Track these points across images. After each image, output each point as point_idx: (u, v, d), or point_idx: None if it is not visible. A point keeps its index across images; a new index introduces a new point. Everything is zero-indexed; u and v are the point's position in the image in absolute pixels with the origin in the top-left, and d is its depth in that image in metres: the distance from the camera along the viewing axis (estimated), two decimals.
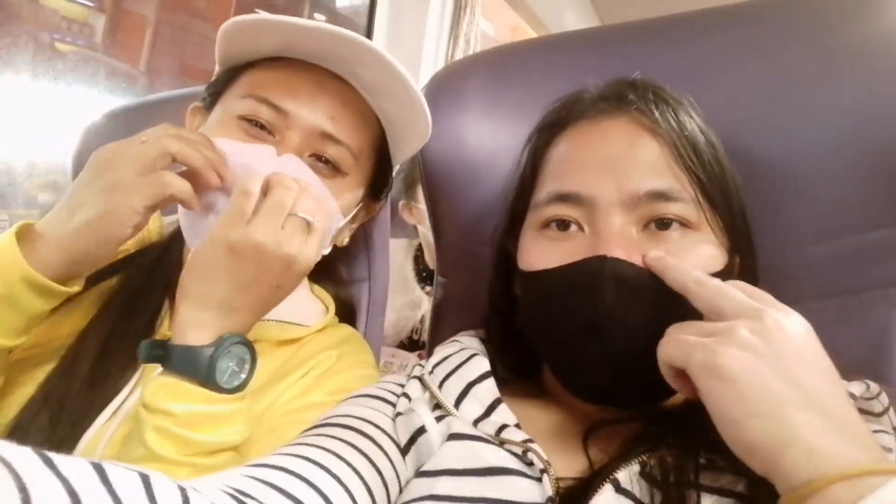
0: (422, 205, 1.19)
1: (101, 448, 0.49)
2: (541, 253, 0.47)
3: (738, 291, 0.37)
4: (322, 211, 0.50)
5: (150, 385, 0.45)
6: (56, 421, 0.49)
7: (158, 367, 0.47)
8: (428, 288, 1.33)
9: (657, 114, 0.46)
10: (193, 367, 0.45)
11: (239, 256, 0.46)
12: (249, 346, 0.49)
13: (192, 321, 0.46)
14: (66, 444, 0.48)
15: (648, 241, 0.44)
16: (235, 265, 0.46)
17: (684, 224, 0.44)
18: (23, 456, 0.22)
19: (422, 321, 1.31)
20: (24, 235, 0.47)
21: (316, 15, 2.12)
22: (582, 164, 0.46)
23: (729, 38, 0.59)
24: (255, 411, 0.53)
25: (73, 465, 0.24)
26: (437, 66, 2.00)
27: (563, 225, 0.46)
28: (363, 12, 1.97)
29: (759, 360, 0.33)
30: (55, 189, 1.36)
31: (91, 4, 1.46)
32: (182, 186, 0.49)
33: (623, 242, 0.43)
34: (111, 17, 1.52)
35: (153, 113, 0.99)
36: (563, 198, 0.46)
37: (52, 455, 0.24)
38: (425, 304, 1.31)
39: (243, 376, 0.47)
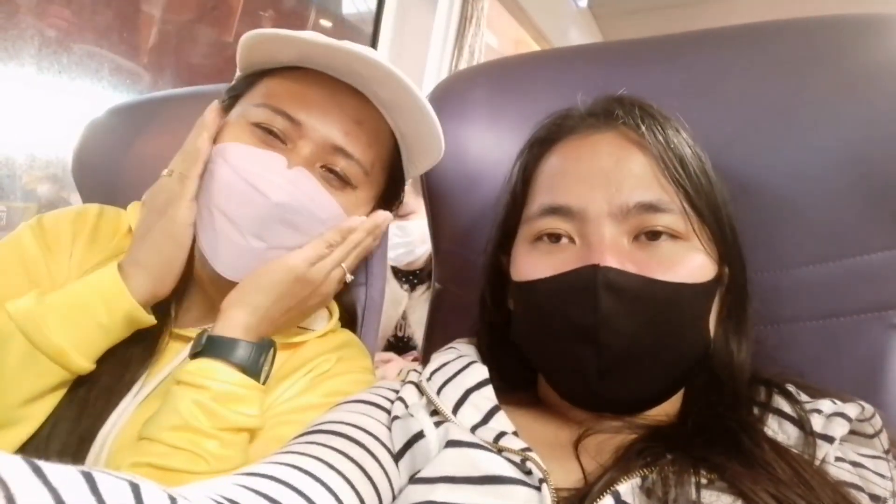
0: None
1: (119, 425, 0.53)
2: (533, 264, 0.47)
3: None
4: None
5: (188, 366, 0.51)
6: (81, 414, 0.53)
7: (181, 354, 0.56)
8: (405, 286, 1.40)
9: (643, 128, 0.47)
10: (240, 356, 0.52)
11: (300, 286, 0.56)
12: (275, 347, 0.56)
13: (243, 324, 0.54)
14: (90, 433, 0.53)
15: (639, 252, 0.44)
16: (292, 291, 0.55)
17: (673, 235, 0.45)
18: (10, 464, 0.22)
19: (404, 317, 1.38)
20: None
21: (322, 21, 2.13)
22: (572, 178, 0.47)
23: (729, 58, 0.59)
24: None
25: (62, 473, 0.24)
26: (440, 75, 2.01)
27: (555, 238, 0.47)
28: (369, 19, 1.98)
29: None
30: (54, 182, 1.35)
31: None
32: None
33: (615, 252, 0.43)
34: (117, 15, 1.52)
35: (155, 110, 1.00)
36: (554, 211, 0.47)
37: (41, 463, 0.23)
38: (405, 301, 1.38)
39: (266, 369, 0.55)
